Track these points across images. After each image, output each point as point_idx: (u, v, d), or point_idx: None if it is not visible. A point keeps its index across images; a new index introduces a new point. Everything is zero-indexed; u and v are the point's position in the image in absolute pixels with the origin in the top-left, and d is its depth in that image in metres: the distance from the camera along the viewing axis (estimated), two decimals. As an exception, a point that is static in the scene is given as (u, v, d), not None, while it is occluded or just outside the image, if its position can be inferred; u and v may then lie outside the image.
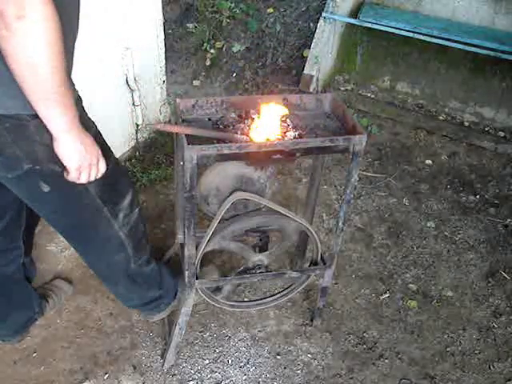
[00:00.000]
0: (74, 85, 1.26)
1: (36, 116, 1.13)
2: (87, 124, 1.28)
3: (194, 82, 3.52)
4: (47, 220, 1.54)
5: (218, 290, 1.91)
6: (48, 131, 1.13)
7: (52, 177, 1.27)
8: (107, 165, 1.31)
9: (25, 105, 1.10)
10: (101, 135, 1.38)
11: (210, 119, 1.56)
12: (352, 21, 3.32)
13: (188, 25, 3.60)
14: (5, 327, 1.87)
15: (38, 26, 0.95)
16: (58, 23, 0.98)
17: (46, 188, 1.30)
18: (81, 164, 1.21)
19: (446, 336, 2.10)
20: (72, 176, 1.23)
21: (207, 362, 1.94)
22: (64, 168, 1.22)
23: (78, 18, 1.20)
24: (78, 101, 1.28)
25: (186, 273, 1.64)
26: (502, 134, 3.32)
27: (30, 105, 1.09)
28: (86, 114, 1.32)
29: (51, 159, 1.21)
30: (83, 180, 1.25)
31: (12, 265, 1.74)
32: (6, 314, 1.84)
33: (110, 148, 1.42)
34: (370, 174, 2.94)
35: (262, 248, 1.98)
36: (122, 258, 1.63)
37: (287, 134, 1.50)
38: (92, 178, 1.27)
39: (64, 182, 1.26)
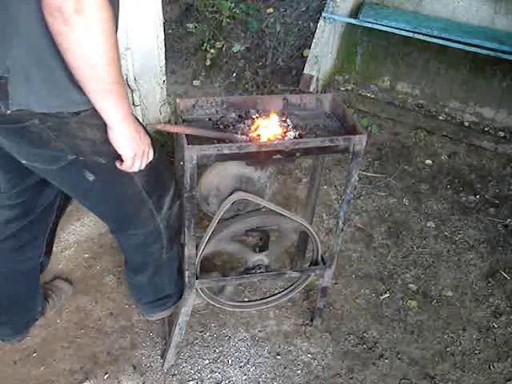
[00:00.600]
0: None
1: (76, 114, 1.16)
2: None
3: (194, 82, 3.52)
4: (90, 209, 1.56)
5: (220, 291, 1.91)
6: (90, 127, 1.17)
7: (97, 167, 1.29)
8: (153, 154, 1.34)
9: (67, 103, 1.13)
10: (142, 124, 1.40)
11: (210, 119, 1.56)
12: (352, 21, 3.32)
13: (188, 25, 3.60)
14: (8, 327, 1.87)
15: (94, 19, 0.96)
16: (112, 15, 0.99)
17: (91, 177, 1.31)
18: (136, 152, 1.23)
19: (446, 336, 2.10)
20: (126, 165, 1.25)
21: (207, 362, 1.94)
22: (118, 157, 1.24)
23: (118, 15, 1.20)
24: None
25: (186, 273, 1.64)
26: (502, 134, 3.32)
27: (71, 104, 1.13)
28: None
29: (95, 152, 1.24)
30: (135, 168, 1.28)
31: (28, 262, 1.74)
32: (13, 315, 1.85)
33: (152, 137, 1.43)
34: (370, 174, 2.94)
35: (263, 248, 1.98)
36: (157, 249, 1.65)
37: (287, 134, 1.50)
38: (143, 167, 1.29)
39: (109, 171, 1.29)
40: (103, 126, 1.19)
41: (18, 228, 1.60)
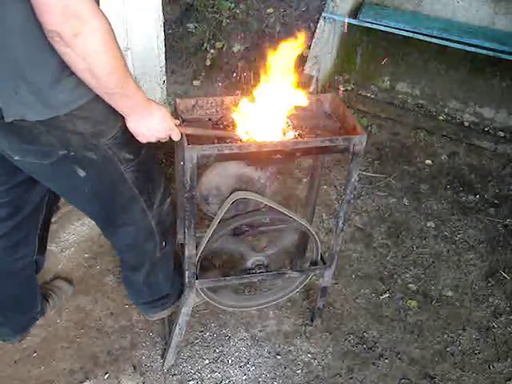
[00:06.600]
0: None
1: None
2: None
3: (194, 82, 3.52)
4: (80, 207, 1.57)
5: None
6: (79, 119, 1.21)
7: (87, 163, 1.31)
8: (141, 151, 1.38)
9: (57, 108, 1.17)
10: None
11: (210, 119, 1.56)
12: (352, 21, 3.32)
13: (188, 25, 3.59)
14: (8, 327, 1.87)
15: (92, 38, 1.04)
16: (110, 30, 1.07)
17: (81, 173, 1.33)
18: (148, 139, 1.34)
19: (445, 336, 2.10)
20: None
21: (207, 361, 1.94)
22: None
23: None
24: None
25: (186, 273, 1.64)
26: (501, 134, 3.32)
27: (61, 108, 1.17)
28: None
29: (85, 147, 1.26)
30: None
31: (22, 260, 1.74)
32: (12, 314, 1.84)
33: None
34: (370, 174, 2.94)
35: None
36: (150, 247, 1.66)
37: (287, 133, 1.50)
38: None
39: (100, 167, 1.33)
40: (92, 120, 1.23)
41: (11, 226, 1.61)
